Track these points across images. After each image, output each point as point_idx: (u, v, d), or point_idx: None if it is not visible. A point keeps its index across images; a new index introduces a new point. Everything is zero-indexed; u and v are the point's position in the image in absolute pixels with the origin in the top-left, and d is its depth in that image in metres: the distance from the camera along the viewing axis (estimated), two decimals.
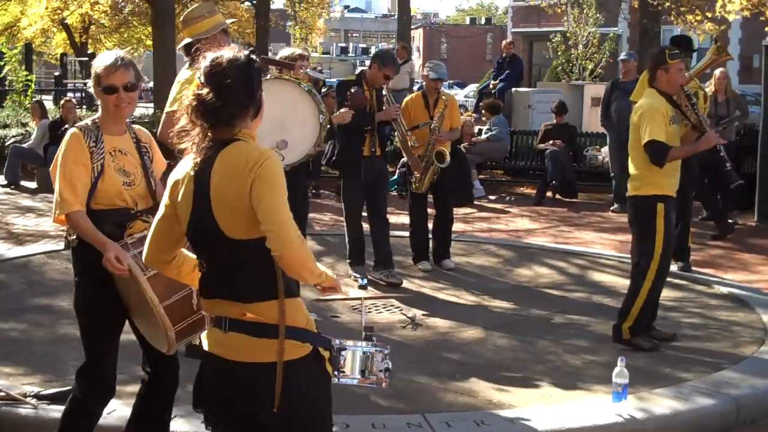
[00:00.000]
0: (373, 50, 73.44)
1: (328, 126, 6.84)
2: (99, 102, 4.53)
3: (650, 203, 6.73)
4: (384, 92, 8.79)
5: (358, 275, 8.49)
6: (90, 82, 4.57)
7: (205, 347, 3.35)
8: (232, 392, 3.25)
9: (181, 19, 6.72)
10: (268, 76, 6.64)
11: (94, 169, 4.34)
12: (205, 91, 3.21)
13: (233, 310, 3.23)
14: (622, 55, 14.43)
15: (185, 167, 3.32)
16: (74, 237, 4.41)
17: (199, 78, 3.27)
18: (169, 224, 3.39)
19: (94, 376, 4.48)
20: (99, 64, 4.45)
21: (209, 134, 3.23)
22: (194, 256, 3.48)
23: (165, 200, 3.40)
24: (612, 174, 13.39)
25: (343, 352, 3.42)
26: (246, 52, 3.36)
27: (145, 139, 4.66)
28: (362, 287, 3.88)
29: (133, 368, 4.98)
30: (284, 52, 7.91)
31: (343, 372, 3.43)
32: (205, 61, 3.28)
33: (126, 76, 4.42)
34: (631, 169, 6.86)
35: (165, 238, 3.45)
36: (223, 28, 6.27)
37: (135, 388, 4.76)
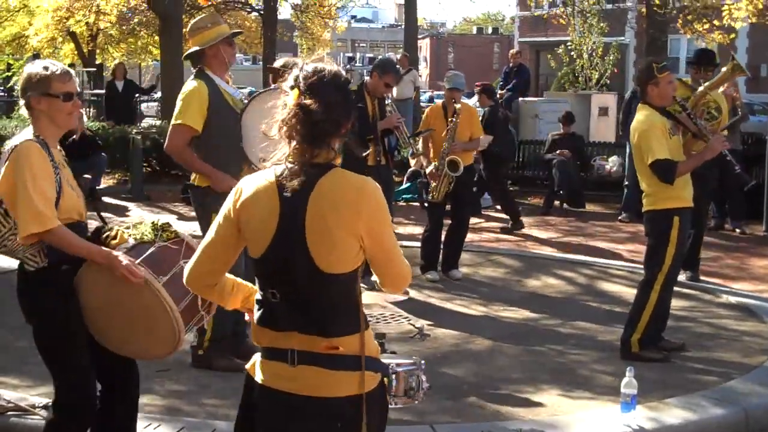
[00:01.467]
0: None
1: None
2: (37, 113, 4.25)
3: (668, 216, 6.68)
4: (387, 101, 8.79)
5: (365, 286, 8.50)
6: (29, 92, 4.24)
7: (260, 380, 3.10)
8: (305, 428, 3.04)
9: (188, 29, 6.74)
10: (273, 86, 6.62)
11: (56, 185, 4.16)
12: (309, 102, 2.97)
13: (307, 342, 3.01)
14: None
15: (262, 183, 3.05)
16: (45, 258, 4.19)
17: (294, 87, 3.02)
18: (228, 243, 3.12)
19: (82, 396, 4.34)
20: (49, 71, 4.24)
21: (305, 154, 3.00)
22: (231, 277, 3.32)
23: (221, 220, 3.12)
24: (626, 183, 13.34)
25: (395, 376, 3.39)
26: (342, 70, 3.16)
27: (61, 152, 4.45)
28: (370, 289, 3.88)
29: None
30: (280, 62, 7.86)
31: (392, 395, 3.40)
32: (304, 71, 3.03)
33: (75, 86, 4.32)
34: (643, 186, 6.83)
35: (217, 261, 3.17)
36: (227, 39, 6.28)
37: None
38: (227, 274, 3.30)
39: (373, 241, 3.02)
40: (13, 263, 4.01)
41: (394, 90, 8.92)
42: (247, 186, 3.09)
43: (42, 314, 4.28)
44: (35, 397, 5.75)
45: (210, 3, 24.43)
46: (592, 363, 6.85)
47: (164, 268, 4.17)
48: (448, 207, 9.57)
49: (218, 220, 3.14)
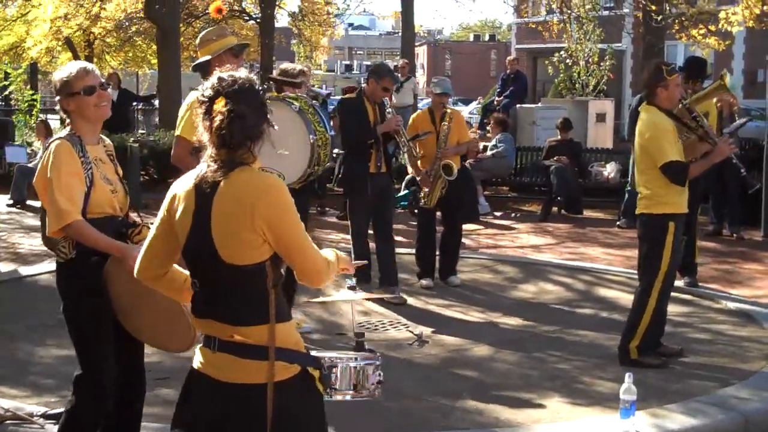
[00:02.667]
0: None
1: (327, 144, 6.73)
2: (71, 114, 4.49)
3: (662, 222, 6.69)
4: (388, 108, 8.78)
5: (395, 297, 8.48)
6: (59, 97, 4.51)
7: (194, 365, 3.35)
8: (221, 412, 3.24)
9: (196, 41, 6.79)
10: (272, 96, 6.64)
11: (86, 179, 4.36)
12: (224, 105, 3.18)
13: (223, 331, 3.23)
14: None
15: (187, 183, 3.30)
16: (73, 250, 4.39)
17: (207, 95, 3.24)
18: (166, 237, 3.37)
19: (98, 387, 4.47)
20: (65, 74, 4.47)
21: (221, 155, 3.21)
22: (184, 272, 3.49)
23: (162, 213, 3.37)
24: (628, 188, 13.31)
25: (334, 369, 3.41)
26: (245, 71, 3.36)
27: (110, 147, 4.71)
28: (351, 288, 3.87)
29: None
30: (284, 66, 7.86)
31: (335, 389, 3.42)
32: (217, 78, 3.26)
33: (97, 77, 4.54)
34: (642, 188, 6.82)
35: (160, 251, 3.42)
36: (232, 51, 6.29)
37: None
38: (180, 269, 3.51)
39: (275, 236, 3.19)
40: (15, 273, 4.08)
41: (394, 98, 8.88)
42: (177, 185, 3.36)
43: (70, 301, 4.50)
44: (33, 406, 5.74)
45: (207, 12, 24.43)
46: (591, 369, 6.84)
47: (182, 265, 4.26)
48: (438, 213, 9.56)
49: (158, 216, 3.40)
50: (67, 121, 4.55)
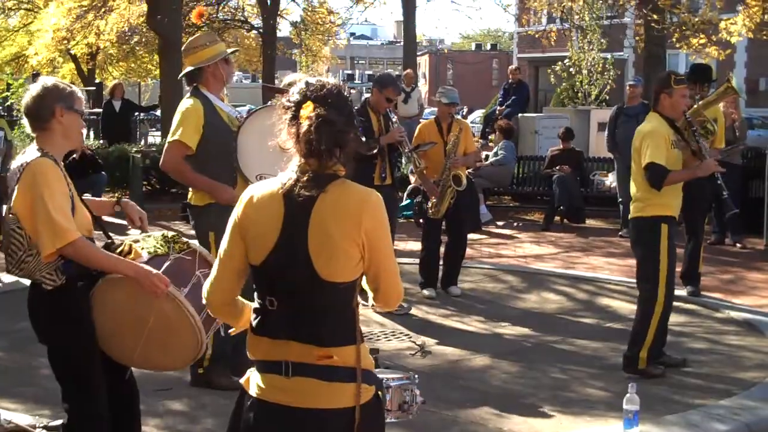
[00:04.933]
0: None
1: None
2: (53, 126, 4.28)
3: (654, 224, 6.71)
4: (394, 118, 8.75)
5: (365, 303, 8.44)
6: (58, 103, 4.28)
7: (254, 393, 3.10)
8: None
9: (183, 48, 6.76)
10: (269, 103, 6.63)
11: (70, 201, 4.21)
12: (328, 112, 3.01)
13: (303, 353, 3.02)
14: (630, 80, 14.41)
15: (267, 193, 3.08)
16: (62, 275, 4.21)
17: (293, 99, 3.07)
18: (241, 260, 3.12)
19: (101, 415, 4.39)
20: (73, 89, 4.35)
21: (312, 165, 3.04)
22: (241, 299, 3.30)
23: (230, 232, 3.13)
24: (620, 200, 13.35)
25: (389, 390, 3.38)
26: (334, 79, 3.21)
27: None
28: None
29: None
30: (290, 78, 7.83)
31: (389, 410, 3.40)
32: (305, 83, 3.09)
33: None
34: (633, 191, 6.87)
35: (237, 272, 3.16)
36: (225, 57, 6.30)
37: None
38: (240, 299, 3.31)
39: (372, 254, 3.05)
40: (15, 282, 4.01)
41: (400, 108, 8.82)
42: (252, 194, 3.12)
43: (62, 333, 4.29)
44: (35, 417, 5.73)
45: (209, 21, 24.48)
46: (593, 379, 6.83)
47: (183, 280, 4.23)
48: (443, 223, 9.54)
49: (228, 232, 3.14)
50: (35, 140, 4.31)
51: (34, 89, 4.36)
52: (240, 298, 3.29)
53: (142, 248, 4.37)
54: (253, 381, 3.12)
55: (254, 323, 3.12)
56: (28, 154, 4.28)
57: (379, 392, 3.18)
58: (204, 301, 3.26)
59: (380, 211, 3.08)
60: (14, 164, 4.34)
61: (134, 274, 4.13)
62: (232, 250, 3.13)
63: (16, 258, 4.25)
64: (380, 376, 3.30)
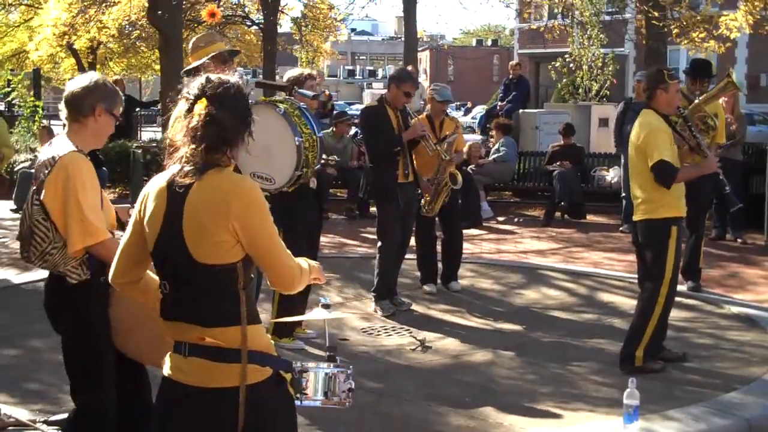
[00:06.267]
0: (380, 72, 73.99)
1: (315, 146, 6.64)
2: (86, 123, 4.37)
3: (665, 226, 6.64)
4: (411, 113, 8.68)
5: (383, 308, 8.39)
6: (100, 102, 4.36)
7: (165, 372, 3.28)
8: (193, 418, 3.18)
9: (188, 46, 6.80)
10: (251, 101, 6.62)
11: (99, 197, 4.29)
12: (218, 111, 3.17)
13: (193, 334, 3.17)
14: (637, 75, 14.37)
15: (158, 183, 3.26)
16: (87, 270, 4.26)
17: (193, 94, 3.23)
18: (140, 240, 3.30)
19: (110, 408, 4.42)
20: (117, 92, 4.45)
21: (195, 156, 3.17)
22: (156, 278, 3.41)
23: (135, 215, 3.33)
24: (623, 195, 13.32)
25: (305, 374, 3.40)
26: (237, 77, 3.34)
27: None
28: (325, 306, 3.85)
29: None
30: (291, 72, 7.77)
31: (306, 394, 3.41)
32: (205, 78, 3.26)
33: None
34: (638, 193, 6.75)
35: (135, 254, 3.35)
36: (220, 57, 6.29)
37: None
38: (154, 275, 3.42)
39: (248, 239, 3.16)
40: (16, 279, 4.00)
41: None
42: (148, 186, 3.32)
43: (81, 326, 4.33)
44: (35, 413, 5.74)
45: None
46: (593, 374, 6.83)
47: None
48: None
49: (131, 218, 3.35)
50: (66, 129, 4.39)
51: (83, 80, 4.43)
52: (153, 278, 3.42)
53: None
54: (166, 362, 3.29)
55: (159, 307, 3.30)
56: (57, 146, 4.33)
57: (283, 374, 3.28)
58: (110, 280, 3.46)
59: (252, 197, 3.18)
60: (42, 155, 4.37)
61: None
62: (129, 236, 3.35)
63: (40, 250, 4.29)
64: (301, 362, 3.42)
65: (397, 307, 8.49)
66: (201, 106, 3.18)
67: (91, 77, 4.45)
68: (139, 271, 3.43)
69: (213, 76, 3.26)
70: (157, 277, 3.39)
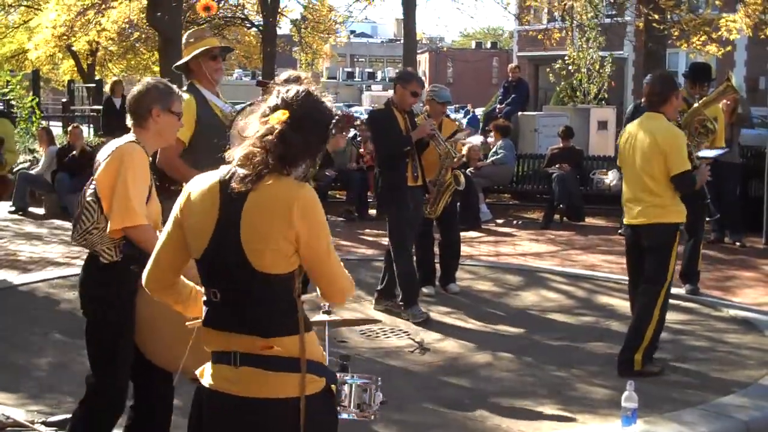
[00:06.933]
0: (379, 75, 73.96)
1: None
2: (147, 125, 4.54)
3: (673, 230, 6.70)
4: (421, 114, 8.63)
5: (415, 315, 8.26)
6: (155, 105, 4.52)
7: (207, 384, 3.14)
8: (246, 430, 3.07)
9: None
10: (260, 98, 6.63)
11: (148, 189, 4.46)
12: (283, 123, 3.02)
13: (248, 343, 3.05)
14: (647, 79, 14.33)
15: (206, 186, 3.12)
16: (120, 253, 4.39)
17: (281, 98, 3.09)
18: (178, 244, 3.17)
19: (119, 394, 4.48)
20: (173, 90, 4.60)
21: (259, 163, 3.01)
22: (189, 283, 3.37)
23: (174, 218, 3.18)
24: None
25: (344, 387, 3.37)
26: (330, 101, 3.19)
27: None
28: (327, 312, 3.84)
29: None
30: (285, 74, 7.75)
31: (344, 406, 3.39)
32: (300, 90, 3.11)
33: None
34: (646, 196, 6.73)
35: (173, 258, 3.23)
36: (209, 53, 6.28)
37: None
38: (187, 281, 3.37)
39: (306, 248, 3.05)
40: (15, 280, 4.02)
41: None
42: (192, 187, 3.17)
43: (107, 307, 4.42)
44: (33, 413, 5.74)
45: (209, 18, 24.45)
46: (591, 377, 6.83)
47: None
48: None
49: (169, 221, 3.21)
50: (132, 129, 4.57)
51: (138, 86, 4.62)
52: (190, 283, 3.37)
53: None
54: (206, 372, 3.16)
55: (204, 315, 3.16)
56: (120, 140, 4.52)
57: (332, 386, 3.19)
58: (143, 284, 3.32)
59: (313, 205, 3.07)
60: (105, 148, 4.54)
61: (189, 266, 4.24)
62: (169, 239, 3.21)
63: (83, 228, 4.47)
64: (340, 374, 3.34)
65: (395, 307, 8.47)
66: (280, 118, 3.03)
67: (144, 83, 4.64)
68: (174, 276, 3.31)
69: (314, 93, 3.12)
70: (190, 283, 3.34)
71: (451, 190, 9.05)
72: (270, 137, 3.01)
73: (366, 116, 9.56)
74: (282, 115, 3.03)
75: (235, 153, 3.08)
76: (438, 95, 9.18)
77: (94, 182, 4.49)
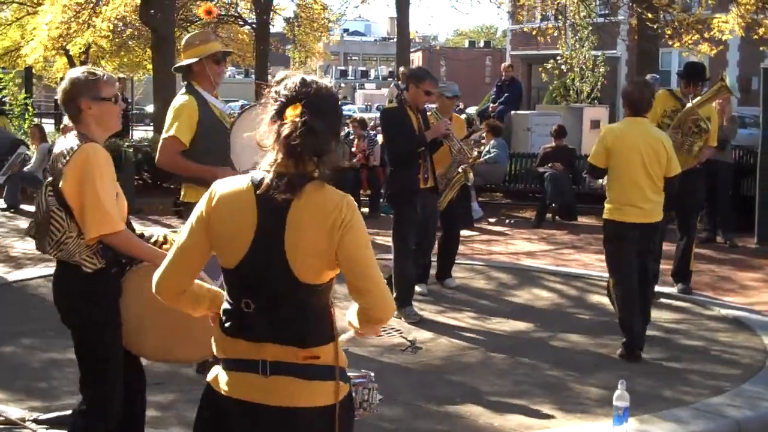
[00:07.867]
0: (372, 73, 73.94)
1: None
2: (86, 118, 4.31)
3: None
4: (429, 112, 8.58)
5: (408, 315, 8.20)
6: (81, 97, 4.30)
7: (226, 392, 3.05)
8: None
9: (181, 44, 6.78)
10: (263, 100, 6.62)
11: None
12: (300, 115, 2.93)
13: (280, 352, 2.97)
14: (627, 86, 14.35)
15: (234, 188, 3.01)
16: (102, 259, 4.26)
17: (284, 94, 3.01)
18: (199, 249, 3.07)
19: (114, 402, 4.41)
20: (97, 77, 4.33)
21: (289, 166, 2.94)
22: (212, 287, 3.28)
23: (195, 222, 3.05)
24: None
25: (353, 388, 3.37)
26: (329, 81, 3.12)
27: None
28: None
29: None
30: (281, 74, 7.74)
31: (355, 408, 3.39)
32: (300, 80, 3.03)
33: (116, 88, 4.48)
34: (656, 197, 7.16)
35: (191, 263, 3.11)
36: (213, 57, 6.27)
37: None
38: (206, 284, 3.30)
39: (349, 258, 2.97)
40: (7, 277, 4.01)
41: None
42: (221, 191, 3.04)
43: (95, 316, 4.30)
44: (24, 410, 5.72)
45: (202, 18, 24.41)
46: (583, 376, 6.84)
47: (215, 272, 4.23)
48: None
49: (190, 224, 3.08)
50: (70, 124, 4.39)
51: (62, 83, 4.40)
52: (204, 284, 3.27)
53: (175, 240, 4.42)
54: (222, 379, 3.08)
55: (227, 324, 3.05)
56: (72, 138, 4.30)
57: (352, 390, 3.19)
58: (153, 290, 3.18)
59: (355, 214, 2.99)
60: (57, 147, 4.36)
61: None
62: (192, 244, 3.08)
63: (56, 239, 4.29)
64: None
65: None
66: (295, 112, 2.95)
67: (68, 77, 4.39)
68: (189, 281, 3.18)
69: (309, 78, 3.03)
70: (209, 287, 3.26)
71: (461, 183, 9.09)
72: (296, 133, 2.92)
73: (362, 116, 9.54)
74: (294, 109, 2.95)
75: (265, 159, 3.00)
76: (447, 89, 9.17)
77: (56, 187, 4.26)
